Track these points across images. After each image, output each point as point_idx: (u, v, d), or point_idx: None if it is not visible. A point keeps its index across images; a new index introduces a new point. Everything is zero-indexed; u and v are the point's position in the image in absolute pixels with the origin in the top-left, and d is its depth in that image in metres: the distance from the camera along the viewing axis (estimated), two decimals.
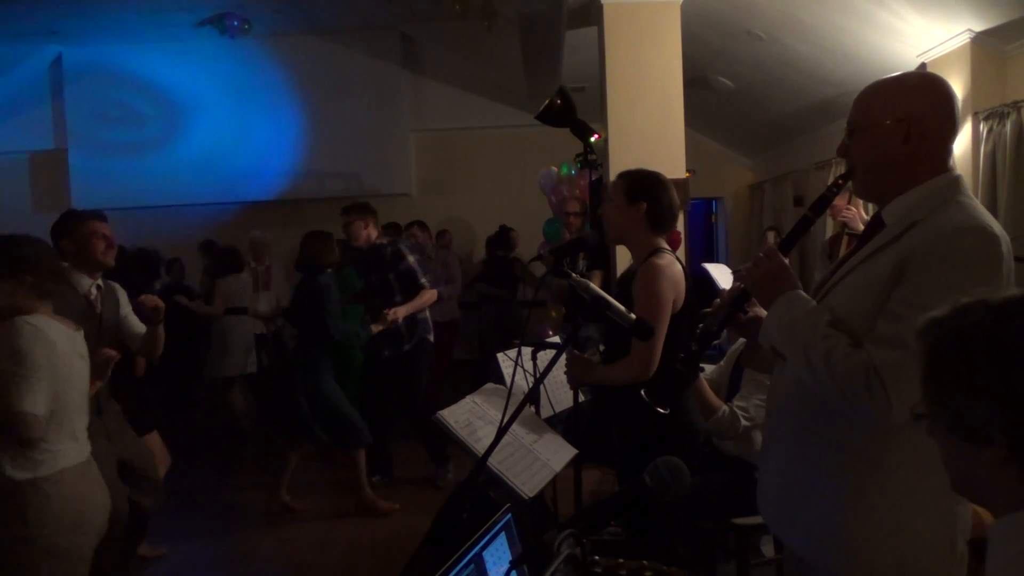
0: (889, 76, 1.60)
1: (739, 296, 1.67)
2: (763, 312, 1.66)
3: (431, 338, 4.99)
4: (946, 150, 1.55)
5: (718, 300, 1.75)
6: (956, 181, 1.52)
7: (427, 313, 4.97)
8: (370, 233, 4.85)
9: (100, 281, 3.20)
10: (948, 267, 1.38)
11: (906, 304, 1.40)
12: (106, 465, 2.84)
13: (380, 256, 4.83)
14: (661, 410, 1.75)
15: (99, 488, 2.46)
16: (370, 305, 4.95)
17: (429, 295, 4.81)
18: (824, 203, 1.64)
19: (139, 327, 3.25)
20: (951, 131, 1.54)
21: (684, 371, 1.70)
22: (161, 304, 3.11)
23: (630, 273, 2.69)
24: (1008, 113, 4.94)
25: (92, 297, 3.14)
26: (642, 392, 1.76)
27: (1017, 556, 0.93)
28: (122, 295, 3.31)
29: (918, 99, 1.52)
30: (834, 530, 1.52)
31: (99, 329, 3.10)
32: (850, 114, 1.59)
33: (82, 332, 2.56)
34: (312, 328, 4.47)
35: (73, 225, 3.15)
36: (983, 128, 5.15)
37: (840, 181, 1.62)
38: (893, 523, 1.47)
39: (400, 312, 4.61)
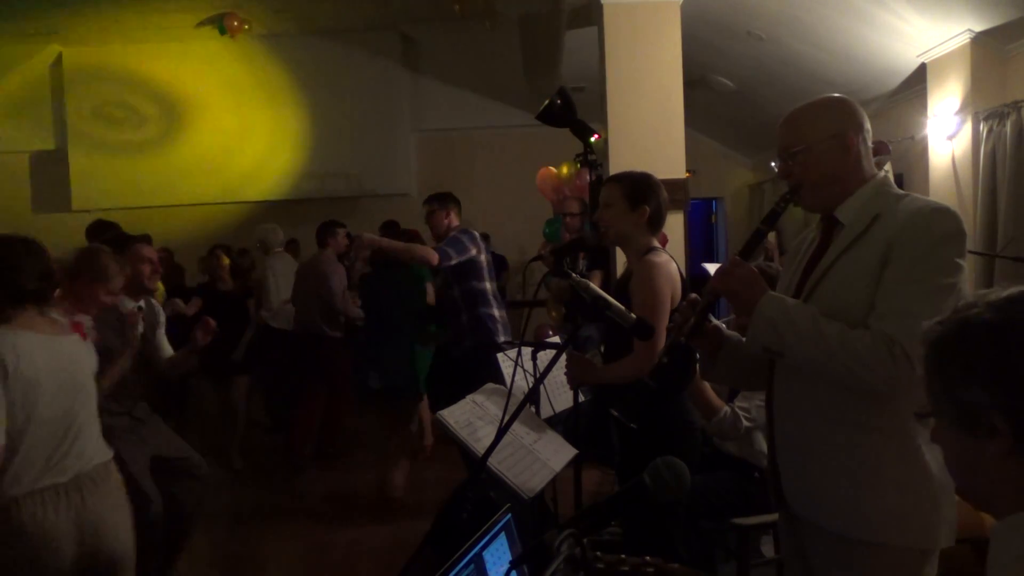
0: (806, 103, 1.80)
1: (706, 305, 1.77)
2: (720, 323, 1.85)
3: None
4: (868, 157, 1.76)
5: (678, 314, 1.82)
6: (887, 179, 1.76)
7: (495, 311, 4.32)
8: (451, 222, 4.50)
9: (143, 302, 3.34)
10: (932, 242, 1.58)
11: (900, 280, 1.58)
12: (142, 467, 3.09)
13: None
14: (632, 425, 1.80)
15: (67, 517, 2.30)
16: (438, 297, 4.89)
17: (423, 250, 4.22)
18: (774, 217, 1.79)
19: (168, 350, 3.45)
20: (867, 140, 1.77)
21: (653, 385, 1.74)
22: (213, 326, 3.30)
23: (627, 274, 2.70)
24: (1008, 113, 4.94)
25: (132, 320, 3.21)
26: (612, 411, 1.82)
27: (1019, 558, 0.93)
28: (162, 316, 3.48)
29: (840, 117, 1.74)
30: (880, 505, 1.62)
31: (133, 349, 3.19)
32: (783, 141, 1.77)
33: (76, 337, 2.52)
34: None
35: (120, 248, 3.25)
36: (983, 128, 5.14)
37: (787, 197, 1.79)
38: (926, 481, 1.61)
39: (366, 237, 4.17)
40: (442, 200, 4.55)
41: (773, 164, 1.83)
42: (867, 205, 1.70)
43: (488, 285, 4.33)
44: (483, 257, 4.32)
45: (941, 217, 1.61)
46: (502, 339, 4.25)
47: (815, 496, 1.73)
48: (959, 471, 1.03)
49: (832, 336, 1.57)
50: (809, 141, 1.73)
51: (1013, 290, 0.97)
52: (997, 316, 0.95)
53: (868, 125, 1.76)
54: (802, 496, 1.77)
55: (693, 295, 1.82)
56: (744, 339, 1.76)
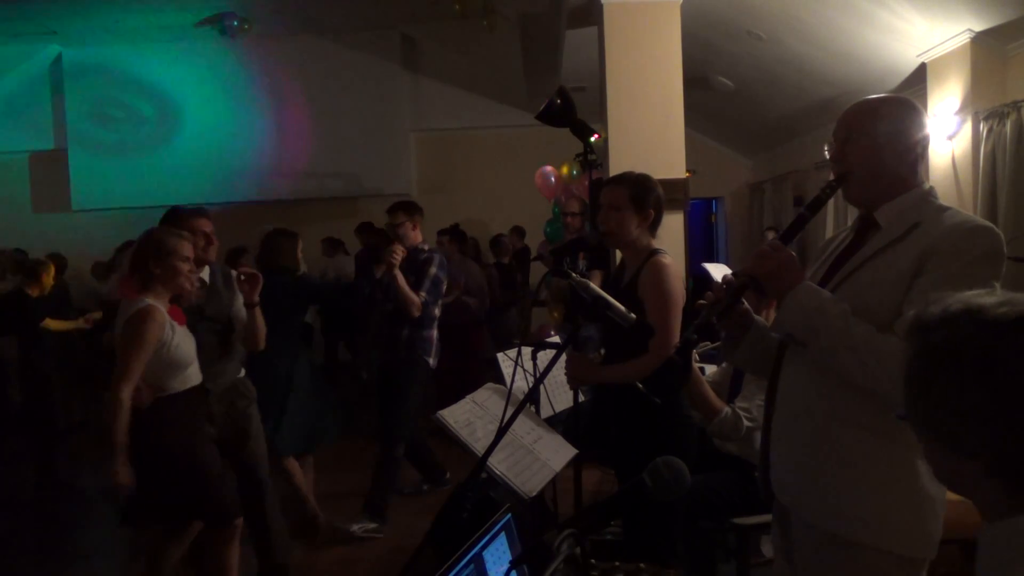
0: (877, 96, 1.80)
1: (740, 287, 1.75)
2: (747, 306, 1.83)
3: (431, 361, 4.49)
4: (921, 165, 1.76)
5: (710, 293, 1.80)
6: (932, 190, 1.75)
7: (426, 334, 4.44)
8: (417, 236, 4.47)
9: (205, 275, 3.34)
10: (970, 259, 1.56)
11: (933, 293, 1.53)
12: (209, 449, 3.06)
13: (415, 260, 4.40)
14: (657, 400, 1.79)
15: None
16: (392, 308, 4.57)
17: (412, 299, 4.24)
18: (819, 204, 1.78)
19: (244, 315, 3.39)
20: (925, 149, 1.77)
21: (681, 361, 1.74)
22: (255, 273, 3.28)
23: (631, 276, 2.69)
24: (1008, 113, 4.94)
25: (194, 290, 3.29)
26: (639, 385, 1.80)
27: (1005, 565, 0.93)
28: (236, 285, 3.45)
29: (910, 118, 1.73)
30: (867, 506, 1.63)
31: (199, 319, 3.22)
32: (843, 124, 1.76)
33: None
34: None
35: (177, 223, 3.28)
36: (983, 128, 5.15)
37: (833, 184, 1.77)
38: (916, 492, 1.62)
39: (397, 262, 4.11)
40: (409, 211, 4.47)
41: (826, 147, 1.80)
42: (908, 211, 1.69)
43: (437, 310, 4.49)
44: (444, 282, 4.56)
45: (983, 235, 1.59)
46: (432, 361, 4.48)
47: (805, 489, 1.73)
48: (940, 477, 1.03)
49: (860, 337, 1.57)
50: (875, 132, 1.71)
51: (1001, 309, 0.93)
52: (990, 345, 0.91)
53: (928, 134, 1.76)
54: (791, 486, 1.78)
55: (728, 275, 1.81)
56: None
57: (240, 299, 3.41)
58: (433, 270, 4.38)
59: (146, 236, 2.92)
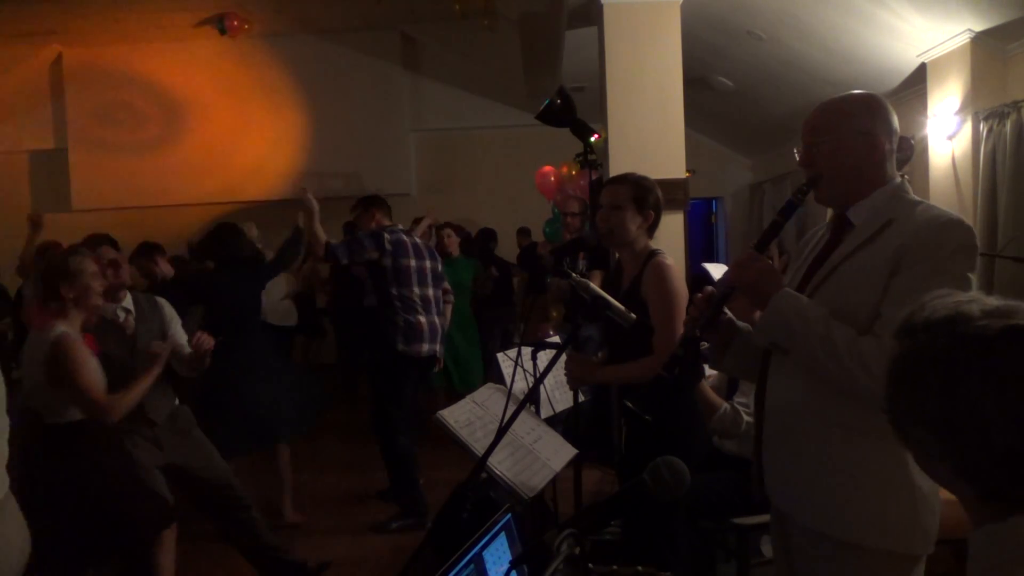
0: (840, 96, 1.78)
1: (722, 298, 1.76)
2: (730, 314, 1.84)
3: (400, 345, 4.42)
4: (892, 160, 1.75)
5: (692, 306, 1.81)
6: (904, 185, 1.74)
7: (397, 317, 4.42)
8: (379, 223, 4.56)
9: (128, 303, 3.26)
10: (944, 255, 1.57)
11: (910, 291, 1.52)
12: (148, 471, 2.99)
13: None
14: (647, 417, 1.80)
15: (16, 525, 2.17)
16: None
17: (317, 236, 4.36)
18: (792, 208, 1.77)
19: (184, 346, 3.30)
20: (894, 144, 1.75)
21: (669, 377, 1.75)
22: (209, 346, 3.15)
23: (632, 277, 2.70)
24: (1008, 113, 4.95)
25: (121, 320, 3.23)
26: (628, 403, 1.82)
27: (994, 568, 0.94)
28: (167, 310, 3.37)
29: (874, 115, 1.72)
30: (861, 507, 1.63)
31: (133, 349, 3.16)
32: (811, 127, 1.76)
33: None
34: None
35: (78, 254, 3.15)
36: (983, 128, 5.15)
37: (804, 188, 1.77)
38: (908, 488, 1.61)
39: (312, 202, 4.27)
40: (365, 204, 4.65)
41: (796, 151, 1.80)
42: (881, 208, 1.69)
43: (394, 290, 4.42)
44: (388, 260, 4.40)
45: (954, 229, 1.60)
46: (400, 347, 4.38)
47: (798, 492, 1.73)
48: (922, 469, 1.04)
49: (841, 341, 1.57)
50: (838, 132, 1.71)
51: (981, 322, 0.92)
52: (958, 361, 0.92)
53: (897, 128, 1.74)
54: (785, 492, 1.78)
55: (709, 288, 1.82)
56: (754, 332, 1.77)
57: (177, 324, 3.35)
58: (359, 233, 4.51)
59: (48, 265, 2.78)
